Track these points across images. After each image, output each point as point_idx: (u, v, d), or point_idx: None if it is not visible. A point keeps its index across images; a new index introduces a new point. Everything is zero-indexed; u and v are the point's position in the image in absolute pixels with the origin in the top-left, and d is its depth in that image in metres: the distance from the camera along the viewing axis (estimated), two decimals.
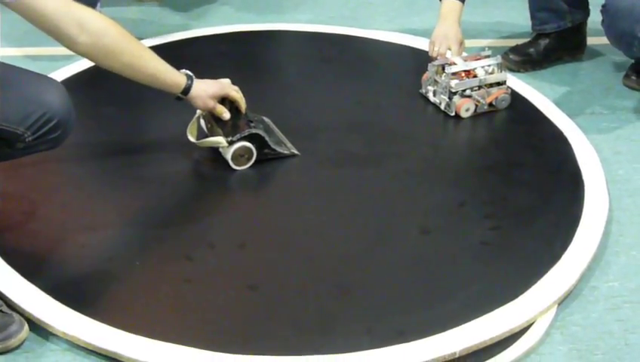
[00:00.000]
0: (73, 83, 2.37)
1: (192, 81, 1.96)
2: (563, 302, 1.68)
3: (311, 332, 1.59)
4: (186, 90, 1.96)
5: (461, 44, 2.41)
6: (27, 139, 1.71)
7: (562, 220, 1.90)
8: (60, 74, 2.44)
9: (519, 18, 2.88)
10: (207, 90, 2.00)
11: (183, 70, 1.98)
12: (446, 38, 2.40)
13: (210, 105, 2.02)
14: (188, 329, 1.59)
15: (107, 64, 1.83)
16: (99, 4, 2.70)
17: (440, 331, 1.57)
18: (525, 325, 1.61)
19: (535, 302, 1.64)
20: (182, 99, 1.98)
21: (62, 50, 1.82)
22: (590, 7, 2.60)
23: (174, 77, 1.94)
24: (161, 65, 1.91)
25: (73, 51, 1.79)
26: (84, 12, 1.75)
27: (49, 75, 1.89)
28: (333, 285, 1.71)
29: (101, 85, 2.35)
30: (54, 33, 1.73)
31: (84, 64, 2.43)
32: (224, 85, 2.05)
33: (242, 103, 2.07)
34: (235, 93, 2.06)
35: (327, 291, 1.69)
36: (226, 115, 2.04)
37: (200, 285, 1.71)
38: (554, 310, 1.65)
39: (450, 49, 2.39)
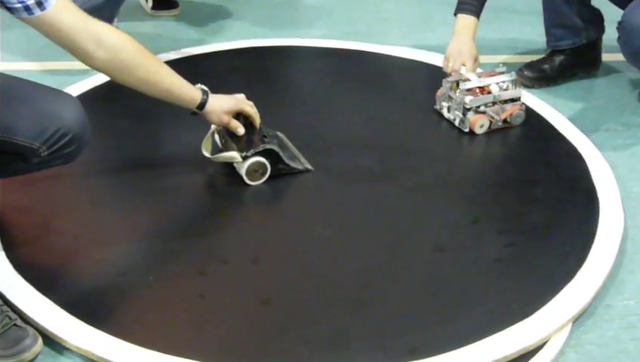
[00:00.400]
0: (89, 97, 2.39)
1: (207, 96, 1.97)
2: (578, 320, 1.67)
3: (324, 348, 1.59)
4: (202, 105, 1.96)
5: (475, 60, 2.41)
6: (42, 154, 1.72)
7: (577, 237, 1.89)
8: (77, 88, 2.46)
9: (534, 34, 2.88)
10: (222, 105, 2.01)
11: (199, 85, 1.99)
12: (460, 54, 2.40)
13: (225, 121, 2.03)
14: (201, 344, 1.59)
15: (123, 79, 1.84)
16: (116, 20, 2.71)
17: (453, 348, 1.57)
18: (539, 343, 1.60)
19: (549, 320, 1.63)
20: (197, 114, 1.99)
21: (79, 65, 1.83)
22: (605, 23, 2.60)
23: (190, 92, 1.95)
24: (177, 81, 1.92)
25: (89, 66, 1.80)
26: (100, 27, 1.76)
27: (65, 90, 1.90)
28: (347, 301, 1.71)
29: (117, 99, 2.36)
30: (71, 48, 1.75)
31: (101, 78, 2.44)
32: (239, 100, 2.06)
33: (257, 119, 2.08)
34: (250, 108, 2.06)
35: (341, 307, 1.69)
36: (241, 130, 2.04)
37: (213, 300, 1.71)
38: (568, 328, 1.64)
39: (464, 65, 2.39)
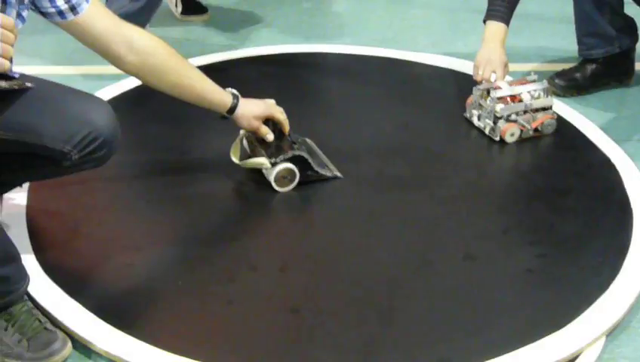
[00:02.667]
0: (120, 101, 2.40)
1: (237, 100, 1.97)
2: (611, 333, 1.65)
3: (352, 358, 1.57)
4: (232, 109, 1.96)
5: (505, 66, 2.39)
6: (73, 158, 1.72)
7: (610, 249, 1.86)
8: (107, 92, 2.47)
9: (565, 42, 2.85)
10: (252, 110, 2.00)
11: (229, 89, 1.98)
12: (490, 62, 2.38)
13: (254, 126, 2.02)
14: (229, 350, 1.58)
15: (154, 83, 1.85)
16: (147, 25, 2.71)
17: (483, 360, 1.55)
18: (572, 357, 1.58)
19: (582, 333, 1.61)
20: (227, 118, 1.98)
21: (110, 69, 1.84)
22: (639, 32, 2.57)
23: (221, 96, 1.95)
24: (208, 85, 1.92)
25: (121, 70, 1.81)
26: (132, 31, 1.77)
27: (96, 94, 1.91)
28: (376, 310, 1.69)
29: (147, 104, 2.37)
30: (103, 52, 1.76)
31: (131, 83, 2.45)
32: (269, 106, 2.05)
33: (286, 125, 2.07)
34: (280, 114, 2.06)
35: (369, 316, 1.68)
36: (270, 136, 2.04)
37: (242, 307, 1.70)
38: (602, 341, 1.62)
39: (494, 72, 2.36)
